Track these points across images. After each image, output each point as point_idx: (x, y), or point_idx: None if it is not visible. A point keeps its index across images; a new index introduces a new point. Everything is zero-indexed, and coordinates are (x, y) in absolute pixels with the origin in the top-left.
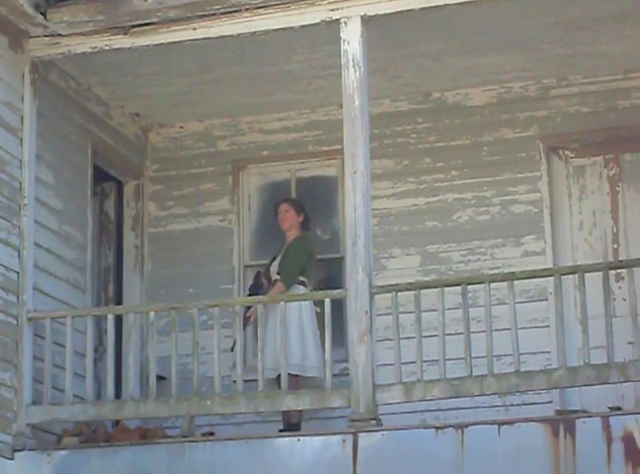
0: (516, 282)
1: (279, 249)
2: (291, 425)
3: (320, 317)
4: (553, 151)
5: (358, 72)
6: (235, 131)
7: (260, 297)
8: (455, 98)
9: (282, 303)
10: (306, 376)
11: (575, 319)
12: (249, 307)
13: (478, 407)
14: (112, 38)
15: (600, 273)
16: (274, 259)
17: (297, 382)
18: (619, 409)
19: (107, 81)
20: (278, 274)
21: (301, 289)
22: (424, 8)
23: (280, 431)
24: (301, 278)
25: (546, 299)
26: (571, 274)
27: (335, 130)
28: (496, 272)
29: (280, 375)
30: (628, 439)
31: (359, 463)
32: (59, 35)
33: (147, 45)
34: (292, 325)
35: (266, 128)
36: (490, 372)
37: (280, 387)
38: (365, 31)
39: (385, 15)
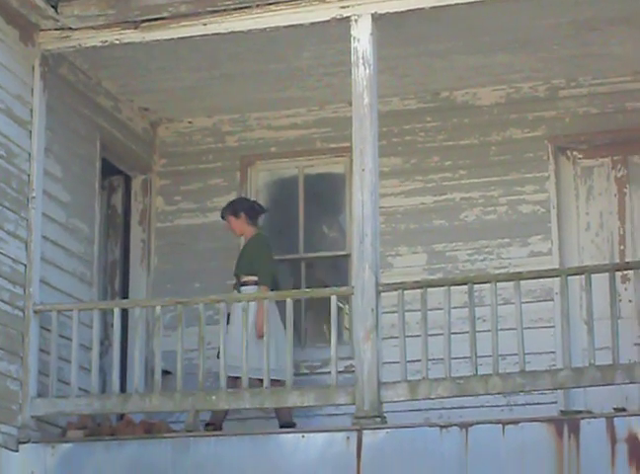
0: (522, 282)
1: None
2: (287, 423)
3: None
4: (561, 152)
5: (367, 70)
6: (244, 127)
7: (266, 293)
8: (464, 97)
9: (253, 303)
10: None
11: (580, 320)
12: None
13: (482, 406)
14: (122, 32)
15: (607, 274)
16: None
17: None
18: (624, 410)
19: (116, 75)
20: (235, 275)
21: (255, 290)
22: (434, 7)
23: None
24: (255, 278)
25: (552, 300)
26: (577, 274)
27: (343, 128)
28: (502, 271)
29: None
30: (632, 441)
31: (362, 460)
32: (70, 28)
33: (157, 40)
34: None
35: (274, 125)
36: (495, 372)
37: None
38: (376, 29)
39: (396, 13)
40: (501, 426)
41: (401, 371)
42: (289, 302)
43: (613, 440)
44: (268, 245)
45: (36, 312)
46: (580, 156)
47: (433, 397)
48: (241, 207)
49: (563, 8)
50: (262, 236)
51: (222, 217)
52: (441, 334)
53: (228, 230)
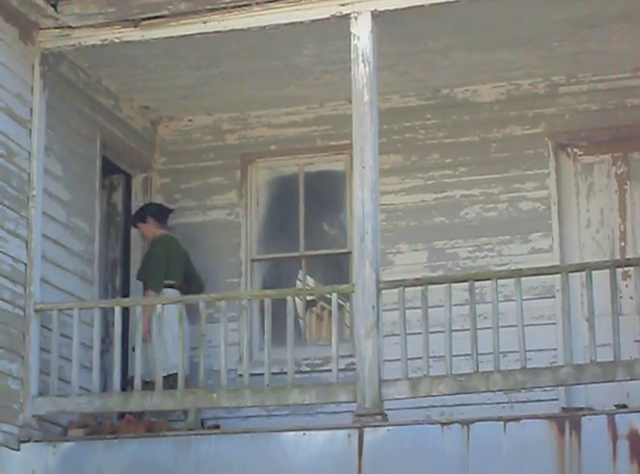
0: (523, 279)
1: None
2: None
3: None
4: (561, 148)
5: (367, 67)
6: (244, 125)
7: (267, 291)
8: (464, 94)
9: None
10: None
11: (581, 317)
12: None
13: (484, 403)
14: (122, 30)
15: (608, 270)
16: None
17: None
18: (625, 407)
19: (116, 74)
20: (137, 279)
21: (171, 293)
22: (434, 4)
23: None
24: (169, 282)
25: (553, 296)
26: (578, 271)
27: (343, 125)
28: (503, 268)
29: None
30: (634, 437)
31: (364, 458)
32: (69, 27)
33: (157, 38)
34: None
35: (274, 123)
36: (496, 369)
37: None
38: (375, 26)
39: (395, 10)
40: (502, 423)
41: (402, 369)
42: (290, 300)
43: (615, 437)
44: (159, 249)
45: (36, 311)
46: (580, 153)
47: (434, 394)
48: (147, 212)
49: (562, 5)
50: (162, 239)
51: (134, 226)
52: (442, 331)
53: (141, 237)
